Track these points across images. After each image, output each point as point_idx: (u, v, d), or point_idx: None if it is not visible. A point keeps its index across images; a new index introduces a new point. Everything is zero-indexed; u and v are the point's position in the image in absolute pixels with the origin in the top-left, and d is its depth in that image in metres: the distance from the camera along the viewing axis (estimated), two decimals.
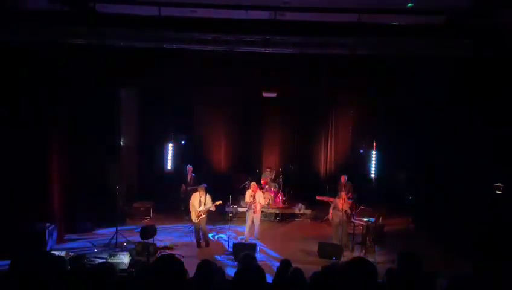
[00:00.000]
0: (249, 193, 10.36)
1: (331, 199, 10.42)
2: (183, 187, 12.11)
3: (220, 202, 10.18)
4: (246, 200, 10.42)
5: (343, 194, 10.00)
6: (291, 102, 14.27)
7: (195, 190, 11.41)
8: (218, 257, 9.06)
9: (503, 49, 8.24)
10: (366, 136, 13.42)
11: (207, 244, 9.93)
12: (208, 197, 9.84)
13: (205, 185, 10.19)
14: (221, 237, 10.57)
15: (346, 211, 9.82)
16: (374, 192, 12.41)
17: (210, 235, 10.52)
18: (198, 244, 9.87)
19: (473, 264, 7.97)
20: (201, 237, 9.91)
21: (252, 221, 10.22)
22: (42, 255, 3.13)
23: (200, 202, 9.76)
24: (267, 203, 12.04)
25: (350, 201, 10.31)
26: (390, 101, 12.65)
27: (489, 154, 9.05)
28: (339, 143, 14.84)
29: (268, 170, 13.62)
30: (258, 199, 10.17)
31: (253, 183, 10.50)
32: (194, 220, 9.83)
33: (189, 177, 12.25)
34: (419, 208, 11.14)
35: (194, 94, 13.57)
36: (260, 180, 13.26)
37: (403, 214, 11.77)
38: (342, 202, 9.82)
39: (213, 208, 9.96)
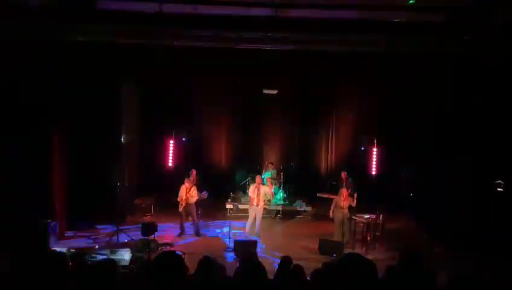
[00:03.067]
0: (252, 187, 10.39)
1: (332, 196, 10.42)
2: None
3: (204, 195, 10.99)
4: (249, 194, 10.47)
5: (343, 191, 10.01)
6: (292, 99, 14.26)
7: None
8: (218, 254, 9.08)
9: (503, 48, 8.22)
10: (367, 133, 13.41)
11: (181, 230, 10.53)
12: (194, 188, 10.55)
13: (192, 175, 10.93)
14: (222, 234, 10.59)
15: (347, 207, 9.83)
16: (374, 189, 12.41)
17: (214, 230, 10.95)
18: (182, 232, 10.55)
19: (473, 262, 7.98)
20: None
21: (255, 217, 10.23)
22: (43, 252, 3.13)
23: (186, 193, 10.44)
24: (272, 191, 12.02)
25: (351, 198, 10.32)
26: (391, 98, 12.64)
27: (490, 152, 9.05)
28: (339, 140, 14.83)
29: (270, 165, 13.62)
30: (262, 193, 10.25)
31: (258, 176, 10.59)
32: (179, 209, 10.51)
33: (191, 179, 12.22)
34: (420, 205, 11.15)
35: (195, 91, 13.57)
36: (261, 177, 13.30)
37: (403, 212, 11.80)
38: (342, 199, 9.83)
39: (196, 197, 10.60)
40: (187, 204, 10.44)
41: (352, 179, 11.98)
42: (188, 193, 10.47)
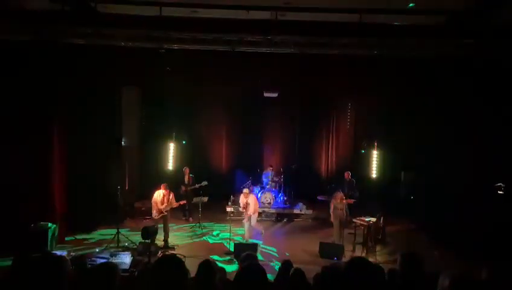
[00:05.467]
0: (242, 197, 10.14)
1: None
2: (183, 189, 12.09)
3: (185, 201, 10.55)
4: (240, 205, 10.30)
5: (339, 194, 9.99)
6: (292, 102, 14.27)
7: (196, 190, 11.50)
8: (219, 257, 9.06)
9: (503, 49, 8.23)
10: (367, 136, 13.40)
11: (165, 242, 9.79)
12: (172, 195, 9.90)
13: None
14: (222, 237, 10.58)
15: (345, 210, 9.84)
16: (375, 192, 12.40)
17: (214, 233, 10.79)
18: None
19: (473, 264, 7.95)
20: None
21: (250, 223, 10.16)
22: (43, 255, 3.12)
23: (163, 200, 9.78)
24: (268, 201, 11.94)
25: (350, 199, 10.33)
26: (391, 101, 12.65)
27: (490, 154, 9.05)
28: (340, 143, 14.83)
29: (270, 168, 13.62)
30: (251, 205, 9.91)
31: (245, 190, 10.19)
32: (154, 217, 9.88)
33: (186, 178, 12.24)
34: (421, 208, 11.13)
35: (195, 94, 13.58)
36: (262, 179, 13.33)
37: (404, 214, 11.77)
38: (338, 201, 9.81)
39: (175, 205, 10.01)
40: (166, 212, 9.80)
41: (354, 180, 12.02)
42: (168, 201, 9.78)
